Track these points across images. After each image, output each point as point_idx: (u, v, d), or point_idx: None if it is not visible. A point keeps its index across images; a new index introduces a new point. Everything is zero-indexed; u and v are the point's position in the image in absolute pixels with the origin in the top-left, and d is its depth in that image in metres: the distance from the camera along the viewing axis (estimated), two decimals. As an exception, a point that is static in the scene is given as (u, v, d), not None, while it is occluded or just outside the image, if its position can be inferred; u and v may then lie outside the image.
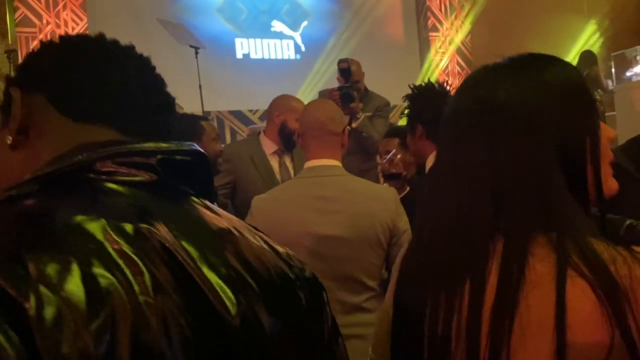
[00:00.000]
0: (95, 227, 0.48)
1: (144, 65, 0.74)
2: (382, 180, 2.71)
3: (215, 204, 0.68)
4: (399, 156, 2.34)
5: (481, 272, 0.68)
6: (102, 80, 0.66)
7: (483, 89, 0.77)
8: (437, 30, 7.84)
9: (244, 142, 3.20)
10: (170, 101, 0.73)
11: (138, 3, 6.47)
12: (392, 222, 1.56)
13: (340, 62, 3.29)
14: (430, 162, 1.90)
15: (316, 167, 1.58)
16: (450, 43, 7.86)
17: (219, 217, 0.62)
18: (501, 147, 0.71)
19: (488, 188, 0.71)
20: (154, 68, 0.75)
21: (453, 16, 7.89)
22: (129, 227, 0.50)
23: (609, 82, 6.33)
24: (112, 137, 0.61)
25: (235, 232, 0.61)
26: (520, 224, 0.68)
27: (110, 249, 0.47)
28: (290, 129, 2.49)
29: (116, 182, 0.55)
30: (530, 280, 0.65)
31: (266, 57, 7.18)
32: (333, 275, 1.51)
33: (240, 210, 1.96)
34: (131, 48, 0.75)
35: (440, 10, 7.85)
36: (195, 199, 0.62)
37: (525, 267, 0.66)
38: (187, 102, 5.64)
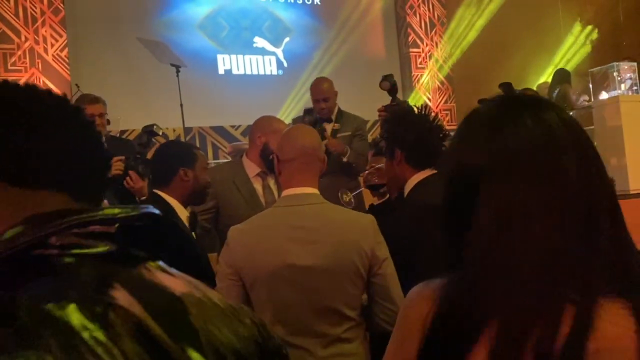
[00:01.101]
0: (67, 315, 0.47)
1: (80, 119, 0.68)
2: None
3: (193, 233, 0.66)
4: (380, 165, 2.33)
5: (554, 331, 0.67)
6: (43, 140, 0.62)
7: (528, 127, 0.77)
8: (417, 46, 7.92)
9: (226, 165, 3.18)
10: (107, 156, 0.70)
11: (119, 19, 6.43)
12: (371, 251, 1.54)
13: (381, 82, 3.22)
14: (410, 186, 1.89)
15: (294, 196, 1.56)
16: (430, 58, 7.93)
17: (179, 281, 0.60)
18: (584, 183, 0.74)
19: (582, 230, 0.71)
20: (88, 122, 0.69)
21: (433, 32, 7.97)
22: (99, 309, 0.49)
23: (585, 98, 6.44)
24: (62, 204, 0.59)
25: (198, 294, 0.60)
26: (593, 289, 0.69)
27: (86, 337, 0.46)
28: (272, 150, 2.47)
29: (74, 256, 0.53)
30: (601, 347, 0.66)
31: (248, 72, 7.18)
32: (312, 307, 1.49)
33: (224, 235, 1.94)
34: (65, 100, 0.68)
35: (420, 26, 7.93)
36: (152, 263, 0.61)
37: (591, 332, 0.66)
38: (169, 120, 5.62)
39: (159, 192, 2.09)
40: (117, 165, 2.95)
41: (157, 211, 0.62)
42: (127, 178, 2.92)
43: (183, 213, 2.11)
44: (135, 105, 6.16)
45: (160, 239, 0.62)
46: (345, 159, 3.16)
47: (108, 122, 3.65)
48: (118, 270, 0.55)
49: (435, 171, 1.86)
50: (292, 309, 1.50)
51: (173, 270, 0.62)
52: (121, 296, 0.51)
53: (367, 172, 2.22)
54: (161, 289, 0.57)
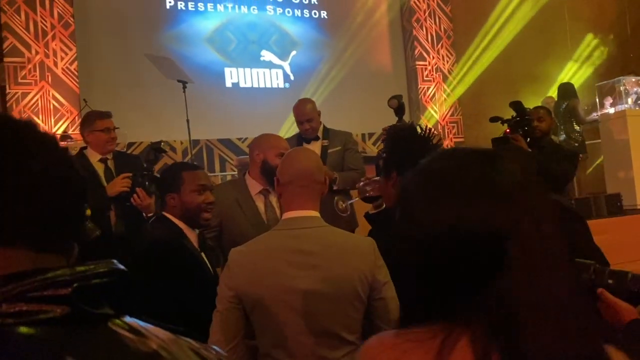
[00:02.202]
0: None
1: (56, 158, 0.63)
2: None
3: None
4: (375, 177, 2.31)
5: None
6: (8, 189, 0.57)
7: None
8: (424, 59, 7.94)
9: (229, 183, 3.21)
10: (81, 191, 0.65)
11: (127, 32, 6.51)
12: (371, 274, 1.55)
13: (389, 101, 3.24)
14: None
15: (295, 219, 1.57)
16: (436, 71, 7.96)
17: (144, 339, 0.58)
18: None
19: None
20: (66, 159, 0.64)
21: (439, 45, 8.00)
22: None
23: (596, 114, 6.43)
24: (21, 263, 0.55)
25: (164, 353, 0.57)
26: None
27: None
28: (271, 165, 2.48)
29: (27, 324, 0.51)
30: None
31: (255, 86, 7.22)
32: (311, 331, 1.50)
33: (227, 253, 1.95)
34: (43, 136, 0.63)
35: (427, 39, 7.96)
36: (117, 321, 0.58)
37: None
38: (176, 132, 5.66)
39: (166, 215, 2.13)
40: (124, 182, 2.97)
41: (118, 266, 0.59)
42: (135, 195, 2.94)
43: (192, 234, 2.12)
44: (143, 118, 6.22)
45: (119, 298, 0.59)
46: (335, 187, 3.16)
47: None
48: (73, 336, 0.53)
49: None
50: (291, 332, 1.51)
51: (139, 326, 0.59)
52: None
53: (361, 183, 2.20)
54: (124, 351, 0.55)
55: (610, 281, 1.29)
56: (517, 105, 3.42)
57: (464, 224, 0.75)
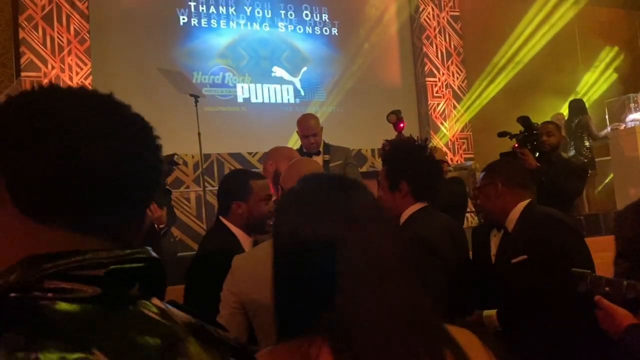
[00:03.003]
0: None
1: (140, 136, 0.65)
2: None
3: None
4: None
5: None
6: (68, 169, 0.57)
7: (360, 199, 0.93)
8: (434, 75, 8.00)
9: None
10: (144, 175, 0.65)
11: (142, 48, 6.63)
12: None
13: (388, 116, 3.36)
14: (404, 217, 1.95)
15: (298, 227, 1.61)
16: (446, 88, 8.01)
17: (169, 322, 0.60)
18: None
19: None
20: (151, 138, 0.66)
21: (449, 62, 8.06)
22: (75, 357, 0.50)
23: (609, 130, 6.42)
24: (62, 243, 0.57)
25: (185, 336, 0.60)
26: None
27: None
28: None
29: (66, 300, 0.54)
30: None
31: (266, 101, 7.31)
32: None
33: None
34: (131, 116, 0.66)
35: (437, 56, 8.02)
36: (146, 303, 0.60)
37: None
38: (189, 146, 5.74)
39: (224, 220, 2.10)
40: None
41: (151, 254, 0.62)
42: None
43: (246, 241, 2.10)
44: (158, 131, 6.29)
45: (152, 283, 0.62)
46: None
47: None
48: (106, 312, 0.56)
49: (425, 204, 1.93)
50: (293, 337, 1.53)
51: (170, 310, 0.62)
52: (103, 344, 0.52)
53: None
54: (147, 332, 0.57)
55: (606, 289, 1.33)
56: (524, 121, 3.45)
57: (309, 240, 0.84)
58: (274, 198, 2.64)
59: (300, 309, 0.82)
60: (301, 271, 0.84)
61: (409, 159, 1.98)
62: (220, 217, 2.12)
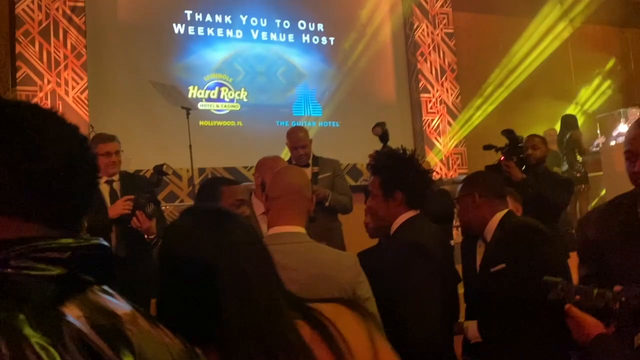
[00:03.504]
0: (19, 324, 0.56)
1: (76, 147, 0.74)
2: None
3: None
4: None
5: None
6: (28, 174, 0.67)
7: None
8: (428, 92, 8.06)
9: None
10: (91, 179, 0.76)
11: (138, 63, 6.69)
12: (352, 290, 1.57)
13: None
14: (396, 225, 1.98)
15: (279, 235, 1.61)
16: (440, 104, 8.07)
17: (120, 303, 0.69)
18: None
19: None
20: (86, 149, 0.76)
21: (443, 78, 8.13)
22: (49, 323, 0.58)
23: (598, 142, 6.47)
24: (34, 232, 0.67)
25: (137, 314, 0.68)
26: None
27: (33, 342, 0.55)
28: None
29: (33, 277, 0.63)
30: None
31: (262, 115, 7.32)
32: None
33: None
34: (69, 127, 0.75)
35: (431, 72, 8.09)
36: (97, 286, 0.68)
37: None
38: (183, 160, 5.75)
39: None
40: (125, 205, 3.01)
41: (103, 242, 0.71)
42: (134, 218, 2.98)
43: None
44: (151, 146, 6.34)
45: (101, 269, 0.70)
46: (327, 204, 3.31)
47: None
48: (68, 291, 0.64)
49: (416, 212, 1.96)
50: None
51: (116, 295, 0.70)
52: (70, 313, 0.60)
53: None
54: (104, 309, 0.65)
55: (577, 297, 1.34)
56: (509, 134, 3.49)
57: (188, 268, 1.01)
58: (262, 212, 2.67)
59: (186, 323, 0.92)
60: (184, 295, 1.00)
61: (402, 168, 2.03)
62: None
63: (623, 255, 1.55)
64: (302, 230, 1.65)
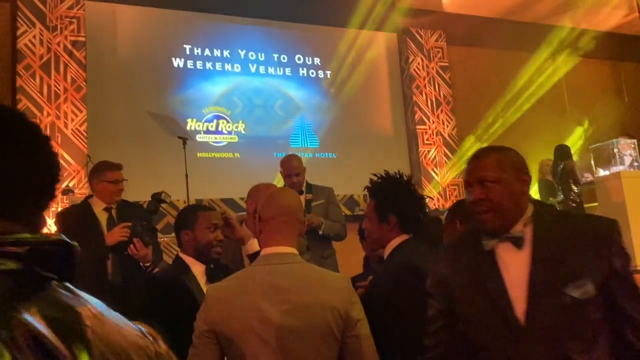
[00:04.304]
0: None
1: (36, 145, 0.76)
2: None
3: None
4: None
5: None
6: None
7: None
8: (424, 123, 8.14)
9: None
10: (52, 177, 0.77)
11: (137, 96, 6.77)
12: (345, 311, 1.58)
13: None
14: (390, 248, 1.99)
15: (272, 255, 1.63)
16: (436, 135, 8.14)
17: (80, 299, 0.68)
18: None
19: None
20: (48, 151, 0.77)
21: (439, 110, 8.22)
22: (2, 319, 0.57)
23: (588, 175, 6.51)
24: None
25: (95, 312, 0.66)
26: None
27: None
28: None
29: None
30: None
31: (260, 147, 7.39)
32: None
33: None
34: (32, 126, 0.77)
35: (427, 105, 8.19)
36: (57, 283, 0.67)
37: None
38: (180, 192, 5.77)
39: (180, 254, 2.30)
40: (122, 232, 3.03)
41: (65, 239, 0.70)
42: (131, 245, 2.99)
43: (198, 268, 2.26)
44: (148, 177, 6.36)
45: (62, 266, 0.69)
46: (321, 232, 3.32)
47: None
48: (25, 287, 0.62)
49: (409, 236, 1.97)
50: (266, 368, 1.53)
51: (76, 291, 0.69)
52: (24, 309, 0.59)
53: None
54: (62, 305, 0.64)
55: None
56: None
57: None
58: (253, 238, 2.68)
59: None
60: None
61: (397, 193, 2.06)
62: (178, 253, 2.31)
63: (468, 291, 1.54)
64: (294, 251, 1.67)
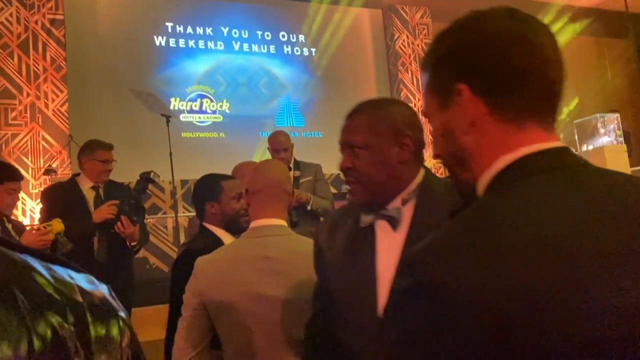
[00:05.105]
0: None
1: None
2: None
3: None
4: None
5: None
6: None
7: None
8: (410, 101, 8.13)
9: None
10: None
11: (119, 75, 6.66)
12: (335, 281, 1.57)
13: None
14: None
15: (261, 227, 1.60)
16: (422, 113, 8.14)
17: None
18: None
19: None
20: None
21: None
22: None
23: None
24: None
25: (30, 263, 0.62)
26: None
27: None
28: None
29: None
30: None
31: (244, 126, 7.34)
32: (276, 338, 1.50)
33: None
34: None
35: (412, 83, 8.17)
36: None
37: None
38: (165, 173, 5.71)
39: (206, 225, 2.18)
40: (110, 210, 3.00)
41: None
42: (118, 223, 2.96)
43: (228, 238, 2.16)
44: (132, 158, 6.29)
45: None
46: (309, 208, 3.33)
47: None
48: None
49: None
50: (256, 340, 1.51)
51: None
52: None
53: None
54: None
55: None
56: None
57: None
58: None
59: None
60: None
61: None
62: (202, 223, 2.18)
63: (339, 269, 1.28)
64: (283, 223, 1.65)
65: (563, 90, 0.71)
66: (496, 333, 0.54)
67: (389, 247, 1.21)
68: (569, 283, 0.55)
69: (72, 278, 0.63)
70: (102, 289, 0.63)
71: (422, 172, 1.28)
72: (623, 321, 0.54)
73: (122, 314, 0.64)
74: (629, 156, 5.45)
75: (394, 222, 1.22)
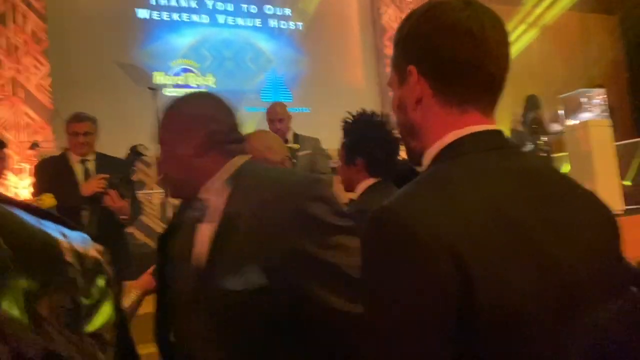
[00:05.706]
0: None
1: None
2: None
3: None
4: None
5: None
6: None
7: None
8: (396, 75, 8.12)
9: None
10: None
11: (102, 49, 6.52)
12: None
13: None
14: (360, 189, 1.97)
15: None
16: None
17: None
18: None
19: None
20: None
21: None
22: None
23: (557, 126, 6.63)
24: None
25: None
26: None
27: None
28: None
29: None
30: None
31: (233, 102, 7.28)
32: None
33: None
34: None
35: (399, 57, 8.13)
36: None
37: None
38: (152, 149, 5.67)
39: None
40: (99, 183, 2.97)
41: None
42: (107, 196, 2.94)
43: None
44: (119, 132, 6.20)
45: None
46: None
47: None
48: None
49: (377, 179, 1.95)
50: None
51: None
52: None
53: None
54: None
55: None
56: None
57: None
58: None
59: None
60: None
61: (367, 135, 1.96)
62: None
63: (174, 257, 1.29)
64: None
65: (504, 82, 0.81)
66: (455, 267, 0.66)
67: (202, 239, 1.19)
68: (506, 236, 0.70)
69: (64, 236, 0.63)
70: (97, 247, 0.64)
71: (237, 161, 1.24)
72: (555, 273, 0.72)
73: (110, 272, 0.65)
74: (614, 131, 5.51)
75: (198, 214, 1.21)
